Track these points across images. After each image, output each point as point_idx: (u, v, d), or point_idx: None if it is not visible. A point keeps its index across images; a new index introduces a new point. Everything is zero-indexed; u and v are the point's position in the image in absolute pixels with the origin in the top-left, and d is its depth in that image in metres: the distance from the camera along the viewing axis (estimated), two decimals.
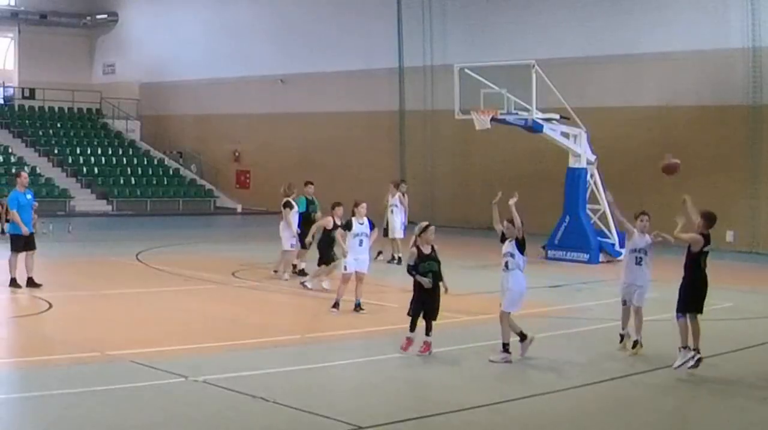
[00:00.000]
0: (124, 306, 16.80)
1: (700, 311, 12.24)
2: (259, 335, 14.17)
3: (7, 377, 11.39)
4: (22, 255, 17.93)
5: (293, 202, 20.17)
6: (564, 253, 25.40)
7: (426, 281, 12.67)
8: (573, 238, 25.31)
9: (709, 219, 12.31)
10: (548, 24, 33.24)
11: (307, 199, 20.71)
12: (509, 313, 12.70)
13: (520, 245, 12.71)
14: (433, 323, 12.92)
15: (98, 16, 50.90)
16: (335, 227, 17.38)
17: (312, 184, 21.08)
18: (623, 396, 11.34)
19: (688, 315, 12.15)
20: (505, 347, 12.56)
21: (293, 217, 20.03)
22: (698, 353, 12.03)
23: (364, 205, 16.27)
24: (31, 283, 17.78)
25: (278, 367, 11.96)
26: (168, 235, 30.76)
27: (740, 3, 28.71)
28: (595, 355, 13.41)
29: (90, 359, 12.22)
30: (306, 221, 20.17)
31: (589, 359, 13.09)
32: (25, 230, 17.87)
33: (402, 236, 23.40)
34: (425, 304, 12.89)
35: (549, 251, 25.80)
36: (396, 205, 23.96)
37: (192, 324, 15.21)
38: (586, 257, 25.00)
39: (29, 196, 18.50)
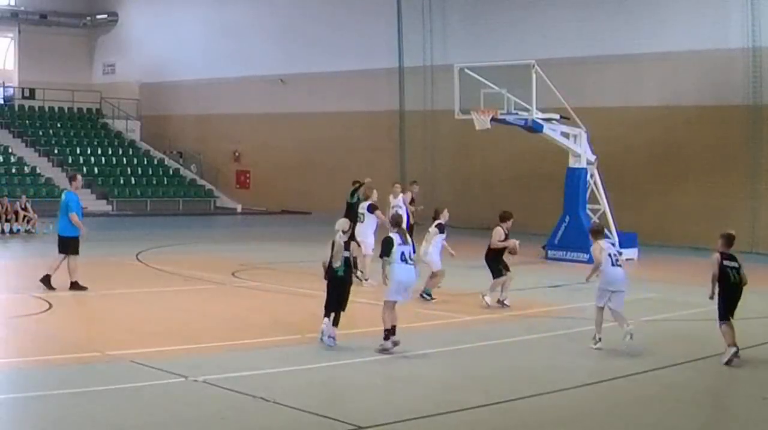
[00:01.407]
0: (124, 306, 16.80)
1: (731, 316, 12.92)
2: (259, 335, 14.15)
3: (7, 377, 11.38)
4: (65, 259, 17.79)
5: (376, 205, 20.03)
6: (564, 253, 25.41)
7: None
8: (573, 238, 25.30)
9: (723, 238, 12.93)
10: (548, 24, 33.25)
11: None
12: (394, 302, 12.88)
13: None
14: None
15: (98, 16, 50.97)
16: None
17: (362, 184, 20.87)
18: (623, 396, 11.34)
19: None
20: (387, 334, 12.62)
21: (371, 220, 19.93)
22: (737, 347, 12.52)
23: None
24: (76, 286, 17.64)
25: (278, 367, 11.95)
26: (168, 235, 30.75)
27: (740, 3, 28.72)
28: (595, 355, 13.40)
29: (90, 359, 12.22)
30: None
31: (590, 359, 13.10)
32: (84, 231, 17.87)
33: None
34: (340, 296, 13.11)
35: (549, 251, 25.82)
36: (399, 207, 23.65)
37: (192, 324, 15.20)
38: (586, 257, 24.93)
39: None
